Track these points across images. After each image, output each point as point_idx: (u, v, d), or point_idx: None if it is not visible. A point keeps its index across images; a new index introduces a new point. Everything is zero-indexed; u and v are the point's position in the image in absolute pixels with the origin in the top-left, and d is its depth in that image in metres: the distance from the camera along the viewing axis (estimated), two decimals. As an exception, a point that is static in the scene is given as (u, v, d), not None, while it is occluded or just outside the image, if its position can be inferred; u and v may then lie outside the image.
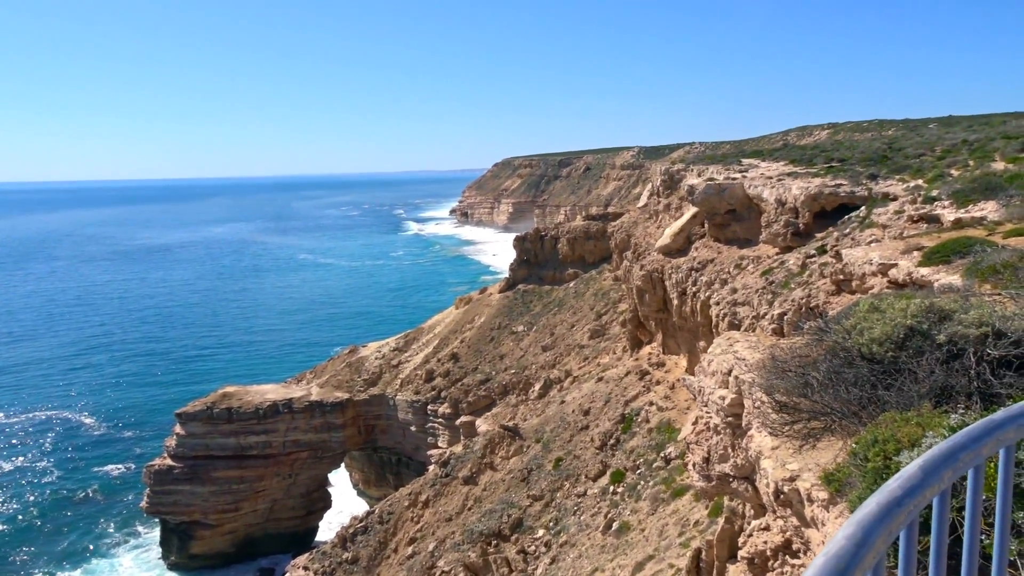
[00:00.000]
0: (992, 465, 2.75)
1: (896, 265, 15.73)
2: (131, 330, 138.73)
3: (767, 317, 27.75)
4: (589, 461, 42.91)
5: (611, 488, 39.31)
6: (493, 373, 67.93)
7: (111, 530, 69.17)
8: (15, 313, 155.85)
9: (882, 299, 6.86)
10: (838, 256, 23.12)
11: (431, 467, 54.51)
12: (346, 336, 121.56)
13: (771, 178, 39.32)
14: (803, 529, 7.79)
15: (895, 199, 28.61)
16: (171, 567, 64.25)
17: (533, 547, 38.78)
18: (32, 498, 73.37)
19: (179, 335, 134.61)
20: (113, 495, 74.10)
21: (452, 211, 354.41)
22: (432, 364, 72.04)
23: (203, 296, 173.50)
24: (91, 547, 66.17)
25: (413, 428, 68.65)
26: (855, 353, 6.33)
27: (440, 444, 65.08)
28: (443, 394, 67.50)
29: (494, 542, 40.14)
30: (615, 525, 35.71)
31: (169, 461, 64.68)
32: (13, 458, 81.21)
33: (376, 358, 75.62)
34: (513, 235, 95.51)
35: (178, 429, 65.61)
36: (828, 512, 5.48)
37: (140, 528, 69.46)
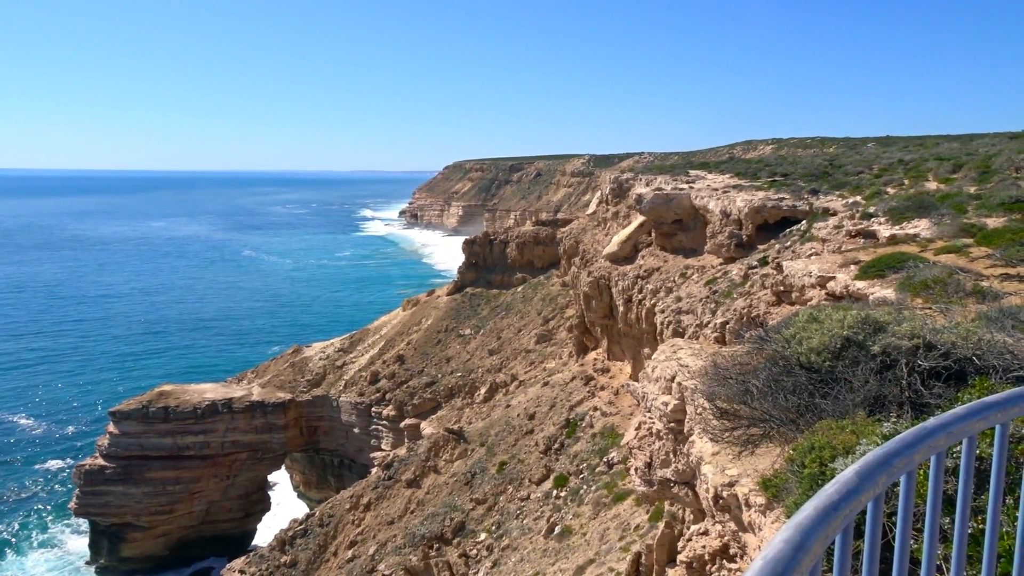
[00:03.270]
0: (922, 473, 2.86)
1: (834, 278, 16.23)
2: (65, 325, 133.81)
3: (710, 325, 28.33)
4: (533, 465, 43.04)
5: (554, 492, 39.50)
6: (439, 376, 67.62)
7: (39, 527, 66.69)
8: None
9: (820, 310, 7.07)
10: (779, 268, 23.74)
11: (374, 470, 53.95)
12: (289, 336, 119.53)
13: (717, 190, 40.17)
14: (741, 534, 7.96)
15: (834, 214, 29.53)
16: (100, 571, 62.05)
17: (475, 551, 38.68)
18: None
19: (115, 331, 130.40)
20: (49, 492, 71.51)
21: (401, 212, 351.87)
22: (377, 366, 71.34)
23: (141, 291, 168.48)
24: (23, 545, 63.76)
25: (356, 430, 67.84)
26: (794, 362, 6.50)
27: (384, 447, 64.46)
28: (388, 396, 66.90)
29: (436, 546, 39.92)
30: (557, 529, 35.89)
31: (101, 461, 62.50)
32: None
33: (320, 359, 74.53)
34: (462, 238, 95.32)
35: (111, 428, 63.47)
36: (765, 517, 5.62)
37: (67, 528, 67.01)
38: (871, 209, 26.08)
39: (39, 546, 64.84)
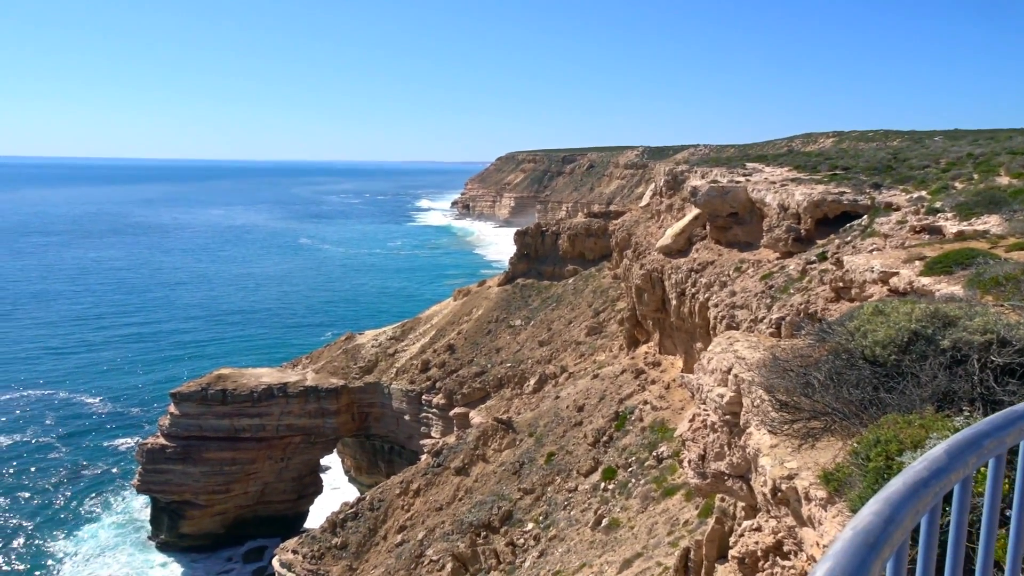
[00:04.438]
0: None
1: (897, 274, 15.77)
2: (128, 309, 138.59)
3: (765, 321, 27.83)
4: (581, 457, 43.01)
5: (602, 485, 39.42)
6: (489, 366, 67.98)
7: (109, 501, 69.88)
8: (5, 288, 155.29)
9: (886, 303, 6.90)
10: (839, 263, 23.17)
11: (423, 456, 54.60)
12: (342, 323, 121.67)
13: (775, 183, 39.36)
14: (797, 529, 7.84)
15: (898, 209, 28.66)
16: (160, 546, 64.38)
17: (522, 540, 38.89)
18: (34, 470, 73.71)
19: (177, 315, 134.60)
20: (117, 468, 74.69)
21: (454, 203, 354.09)
22: (428, 354, 72.09)
23: (201, 278, 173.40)
24: (90, 517, 66.97)
25: (407, 417, 68.73)
26: (858, 355, 6.37)
27: (433, 434, 65.17)
28: (438, 385, 67.57)
29: (483, 533, 40.25)
30: (604, 521, 35.82)
31: (162, 440, 64.72)
32: (13, 435, 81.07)
33: (372, 346, 75.64)
34: (514, 229, 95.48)
35: (172, 409, 65.64)
36: (826, 511, 5.53)
37: (134, 503, 69.83)
38: (937, 204, 25.25)
39: (110, 517, 68.02)
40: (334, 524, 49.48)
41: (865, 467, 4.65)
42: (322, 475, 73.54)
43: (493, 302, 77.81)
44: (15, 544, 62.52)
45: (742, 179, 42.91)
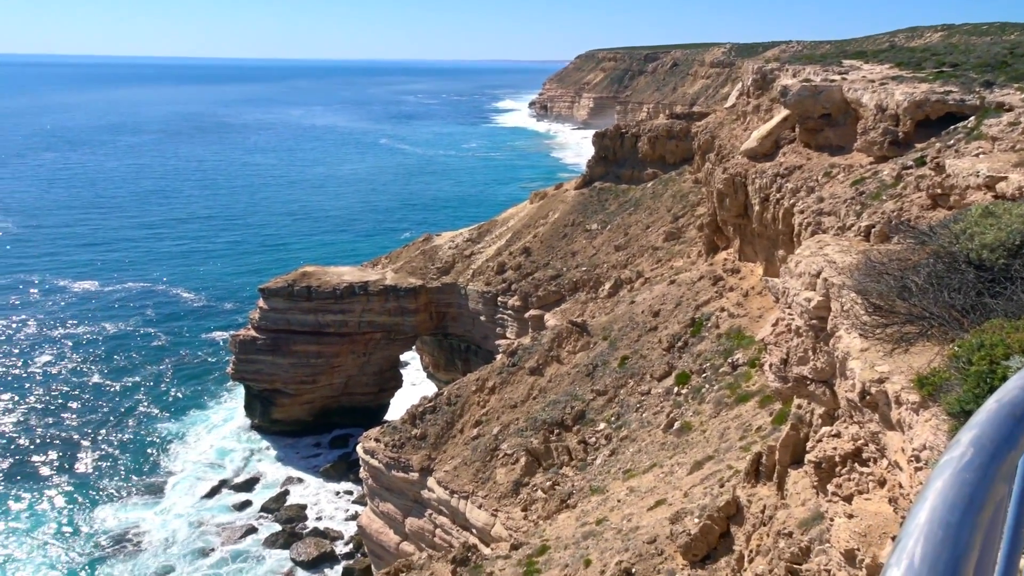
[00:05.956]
0: None
1: (1006, 178, 14.81)
2: (217, 207, 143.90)
3: (853, 228, 26.73)
4: (655, 361, 43.28)
5: (675, 389, 39.75)
6: (564, 269, 68.18)
7: (212, 388, 75.22)
8: (101, 185, 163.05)
9: (998, 205, 6.53)
10: (938, 168, 21.84)
11: (499, 356, 55.96)
12: (420, 223, 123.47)
13: (873, 82, 36.90)
14: (882, 435, 7.78)
15: (1010, 110, 26.59)
16: (254, 428, 69.27)
17: (594, 439, 39.94)
18: (140, 356, 79.47)
19: (261, 212, 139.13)
20: (217, 358, 79.82)
21: (531, 104, 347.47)
22: (504, 257, 72.70)
23: (283, 177, 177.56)
24: (191, 401, 72.47)
25: (483, 318, 70.17)
26: (962, 259, 6.10)
27: (508, 335, 66.50)
28: (513, 287, 68.37)
29: (556, 431, 41.49)
30: (676, 424, 36.33)
31: (253, 332, 68.32)
32: (118, 323, 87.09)
33: (449, 247, 76.70)
34: (592, 131, 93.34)
35: (261, 303, 68.89)
36: (917, 415, 5.45)
37: (231, 391, 74.89)
38: (1057, 104, 23.31)
39: (209, 401, 73.69)
40: (414, 416, 51.75)
41: (966, 371, 4.52)
42: (402, 371, 76.58)
43: (570, 205, 77.19)
44: (127, 424, 68.22)
45: (837, 78, 40.40)
